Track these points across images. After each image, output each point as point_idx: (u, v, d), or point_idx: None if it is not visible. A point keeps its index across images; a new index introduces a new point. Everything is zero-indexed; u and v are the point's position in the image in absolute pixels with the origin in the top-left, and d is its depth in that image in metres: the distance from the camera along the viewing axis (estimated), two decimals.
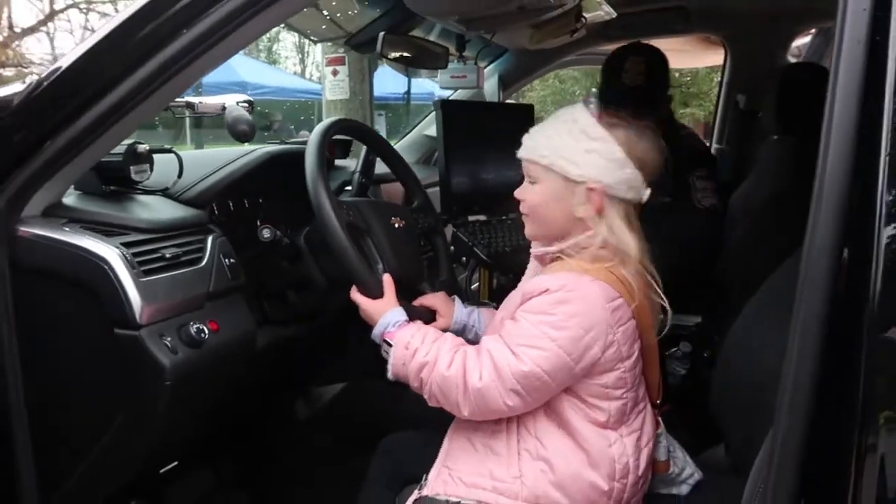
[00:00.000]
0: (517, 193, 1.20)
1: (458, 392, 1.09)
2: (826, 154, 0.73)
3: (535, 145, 1.16)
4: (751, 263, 1.69)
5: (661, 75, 2.03)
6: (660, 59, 2.03)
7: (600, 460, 1.10)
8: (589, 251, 1.11)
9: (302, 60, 22.58)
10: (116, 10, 18.18)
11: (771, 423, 0.79)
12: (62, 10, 17.70)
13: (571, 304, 1.06)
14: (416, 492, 1.17)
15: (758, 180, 2.21)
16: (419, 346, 1.14)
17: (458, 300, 1.46)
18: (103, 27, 1.10)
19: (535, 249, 1.25)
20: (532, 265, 1.32)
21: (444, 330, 1.31)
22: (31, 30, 16.45)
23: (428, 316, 1.37)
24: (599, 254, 1.11)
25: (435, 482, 1.16)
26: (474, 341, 1.26)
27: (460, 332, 1.39)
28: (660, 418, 1.23)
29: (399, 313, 1.22)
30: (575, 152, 1.12)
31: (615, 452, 1.11)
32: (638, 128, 1.15)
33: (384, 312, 1.22)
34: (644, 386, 1.20)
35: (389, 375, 1.18)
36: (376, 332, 1.22)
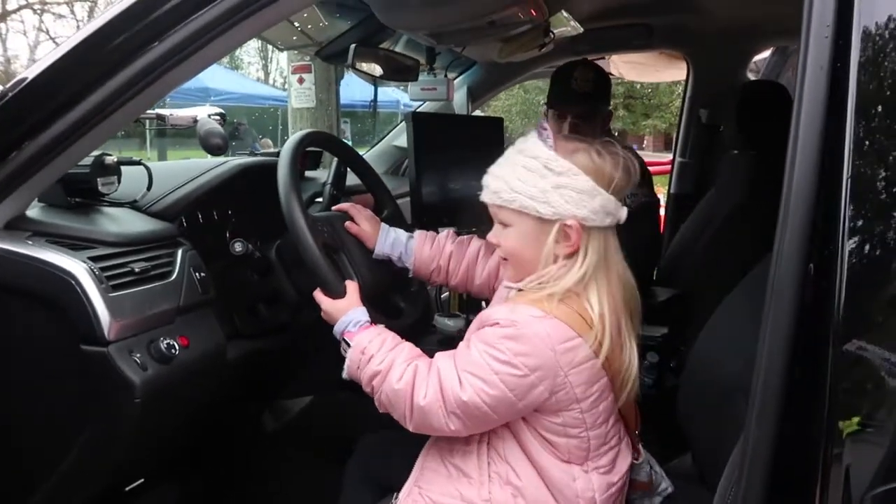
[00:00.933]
0: (491, 238, 1.16)
1: (404, 406, 1.09)
2: (791, 173, 0.75)
3: (499, 188, 1.10)
4: (714, 274, 1.74)
5: (605, 90, 2.12)
6: (605, 75, 2.12)
7: (564, 494, 1.09)
8: (560, 284, 1.07)
9: (265, 66, 22.40)
10: (72, 12, 17.83)
11: (736, 432, 0.81)
12: (15, 11, 17.28)
13: (518, 342, 1.03)
14: None
15: (719, 193, 2.27)
16: (375, 354, 1.13)
17: (384, 228, 1.46)
18: (71, 38, 1.08)
19: (509, 284, 1.19)
20: (501, 289, 1.29)
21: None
22: None
23: (392, 317, 1.37)
24: (569, 288, 1.07)
25: (405, 500, 1.16)
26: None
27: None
28: (640, 446, 1.22)
29: (361, 313, 1.22)
30: (543, 190, 1.07)
31: (578, 487, 1.09)
32: (598, 146, 1.10)
33: (346, 311, 1.22)
34: (618, 423, 1.16)
35: (344, 375, 1.18)
36: (337, 329, 1.21)
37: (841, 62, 0.75)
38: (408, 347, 1.16)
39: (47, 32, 18.51)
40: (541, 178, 1.07)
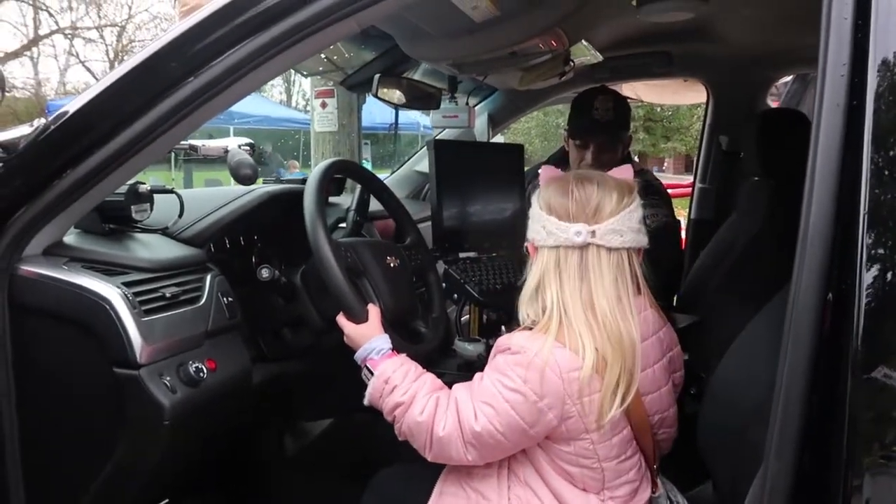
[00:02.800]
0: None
1: (425, 437, 1.12)
2: (809, 205, 0.77)
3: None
4: (734, 301, 1.73)
5: (625, 116, 2.15)
6: (624, 102, 2.15)
7: None
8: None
9: (287, 89, 22.71)
10: (101, 37, 18.29)
11: (757, 460, 0.82)
12: (47, 35, 17.77)
13: (526, 370, 1.04)
14: None
15: (739, 219, 2.27)
16: (398, 385, 1.16)
17: None
18: (111, 74, 1.13)
19: None
20: None
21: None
22: (15, 54, 16.48)
23: (413, 342, 1.40)
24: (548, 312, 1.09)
25: None
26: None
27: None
28: (659, 480, 1.22)
29: (384, 341, 1.24)
30: (534, 217, 1.16)
31: None
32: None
33: (369, 337, 1.24)
34: (636, 455, 1.16)
35: (365, 402, 1.20)
36: (359, 355, 1.24)
37: (857, 98, 0.77)
38: (430, 379, 1.18)
39: (77, 56, 19.02)
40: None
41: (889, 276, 0.74)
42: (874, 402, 0.74)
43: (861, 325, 0.73)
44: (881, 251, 0.75)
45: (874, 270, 0.74)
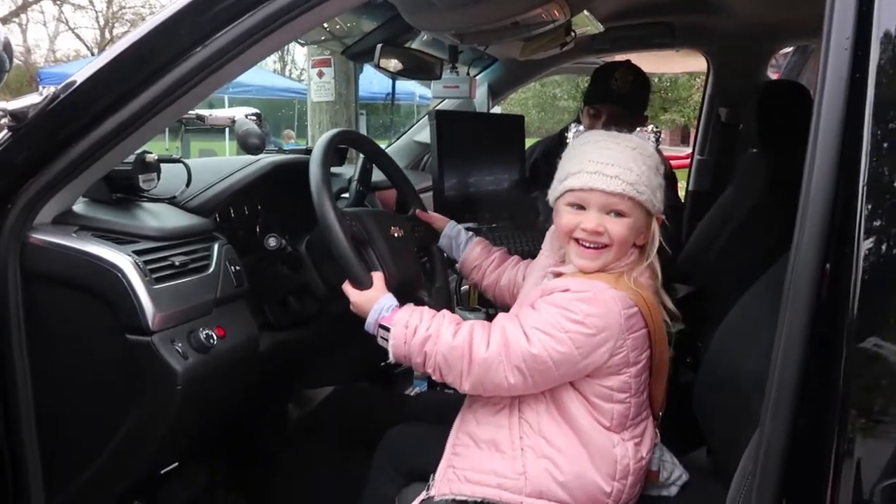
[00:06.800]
0: (597, 227, 1.18)
1: (463, 362, 1.14)
2: (810, 176, 0.78)
3: (636, 182, 1.17)
4: (732, 272, 1.76)
5: (643, 93, 2.14)
6: (645, 80, 2.14)
7: (603, 459, 1.16)
8: (633, 269, 1.20)
9: (282, 58, 22.43)
10: (91, 3, 17.96)
11: (752, 427, 0.85)
12: (35, 2, 17.46)
13: (590, 305, 1.13)
14: (423, 492, 1.22)
15: (737, 192, 2.29)
16: (419, 324, 1.18)
17: (453, 222, 1.65)
18: (117, 44, 1.13)
19: (557, 268, 1.27)
20: (535, 275, 1.38)
21: (437, 237, 1.61)
22: (4, 20, 16.20)
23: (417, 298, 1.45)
24: (634, 272, 1.20)
25: (441, 482, 1.21)
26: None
27: (447, 247, 1.62)
28: (657, 430, 1.28)
29: (391, 299, 1.26)
30: (655, 188, 1.20)
31: (618, 453, 1.17)
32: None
33: (376, 300, 1.25)
34: (648, 397, 1.25)
35: (391, 359, 1.22)
36: (370, 320, 1.24)
37: (860, 71, 0.78)
38: (448, 313, 1.22)
39: (66, 23, 18.72)
40: (656, 178, 1.20)
41: (885, 247, 0.76)
42: (867, 369, 0.76)
43: (857, 295, 0.75)
44: (879, 223, 0.76)
45: (871, 242, 0.76)
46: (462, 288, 2.23)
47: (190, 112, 1.35)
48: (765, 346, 0.81)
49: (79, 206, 1.26)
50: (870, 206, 0.76)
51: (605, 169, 1.16)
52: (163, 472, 1.50)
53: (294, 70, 20.77)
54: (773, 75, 3.01)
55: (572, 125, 1.34)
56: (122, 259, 1.15)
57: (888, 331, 0.76)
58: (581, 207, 1.19)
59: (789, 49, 3.19)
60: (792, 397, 0.78)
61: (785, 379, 0.79)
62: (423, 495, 1.21)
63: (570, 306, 1.13)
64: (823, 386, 0.77)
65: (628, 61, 2.19)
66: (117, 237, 1.22)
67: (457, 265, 1.64)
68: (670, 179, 2.21)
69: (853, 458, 0.75)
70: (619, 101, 2.04)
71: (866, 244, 0.76)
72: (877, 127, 0.76)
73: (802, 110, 0.80)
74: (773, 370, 0.79)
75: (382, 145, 2.65)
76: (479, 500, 1.18)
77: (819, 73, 0.79)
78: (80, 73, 1.12)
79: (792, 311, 0.78)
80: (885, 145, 0.77)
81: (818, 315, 0.77)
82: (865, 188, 0.76)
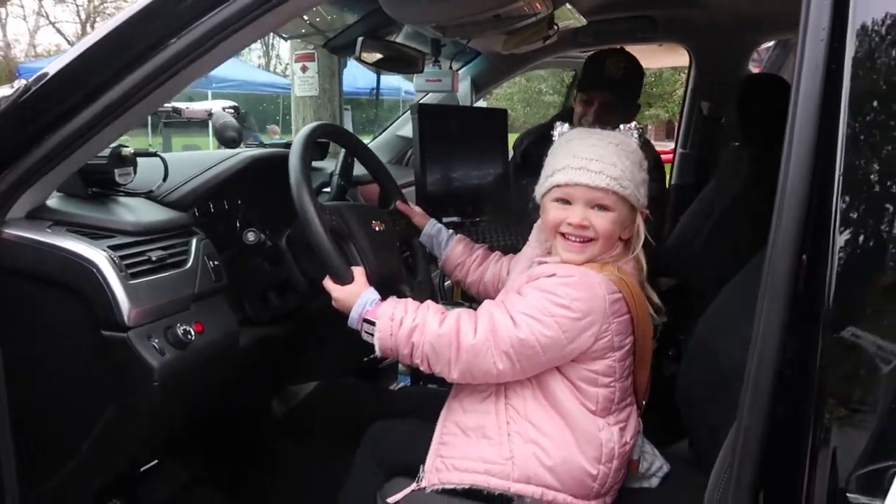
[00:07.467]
0: (582, 221, 1.19)
1: (451, 350, 1.15)
2: (787, 167, 0.78)
3: (620, 176, 1.18)
4: (714, 265, 1.77)
5: (635, 80, 2.12)
6: (638, 66, 2.12)
7: (589, 442, 1.17)
8: (618, 261, 1.22)
9: (266, 53, 22.28)
10: None
11: (733, 418, 0.85)
12: None
13: (576, 289, 1.14)
14: (414, 483, 1.22)
15: (719, 185, 2.30)
16: (405, 315, 1.19)
17: (433, 220, 1.63)
18: (91, 35, 1.11)
19: (544, 258, 1.28)
20: (521, 265, 1.39)
21: (419, 231, 1.59)
22: None
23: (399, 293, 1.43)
24: (619, 263, 1.22)
25: (429, 473, 1.21)
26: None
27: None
28: (640, 419, 1.29)
29: (373, 293, 1.26)
30: (641, 184, 1.22)
31: (603, 437, 1.18)
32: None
33: (358, 294, 1.25)
34: (632, 383, 1.27)
35: (377, 352, 1.21)
36: (354, 315, 1.24)
37: (835, 63, 0.78)
38: (432, 304, 1.22)
39: (47, 17, 18.48)
40: (640, 172, 1.22)
41: (861, 238, 0.76)
42: (843, 359, 0.77)
43: (833, 285, 0.75)
44: (854, 214, 0.77)
45: (847, 233, 0.76)
46: (446, 283, 2.23)
47: (166, 105, 1.33)
48: (745, 337, 0.82)
49: (53, 201, 1.24)
50: (846, 197, 0.77)
51: (590, 164, 1.18)
52: (142, 469, 1.49)
53: (279, 65, 20.65)
54: (754, 69, 3.03)
55: (557, 124, 1.33)
56: (96, 254, 1.13)
57: (864, 321, 0.76)
58: (567, 202, 1.21)
59: (771, 43, 3.21)
60: (769, 388, 0.79)
61: (762, 370, 0.79)
62: (412, 487, 1.21)
63: (556, 290, 1.14)
64: (800, 376, 0.78)
65: (621, 48, 2.18)
66: (93, 232, 1.20)
67: (439, 263, 1.64)
68: (660, 171, 2.21)
69: (829, 448, 0.75)
70: (612, 88, 2.02)
71: (843, 235, 0.76)
72: (853, 118, 0.77)
73: (783, 103, 0.80)
74: (751, 361, 0.80)
75: (367, 140, 2.65)
76: (467, 487, 1.18)
77: (796, 64, 0.80)
78: (53, 65, 1.10)
79: (769, 302, 0.78)
80: (862, 137, 0.77)
81: (795, 306, 0.78)
82: (841, 178, 0.77)
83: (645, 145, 1.28)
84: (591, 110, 2.03)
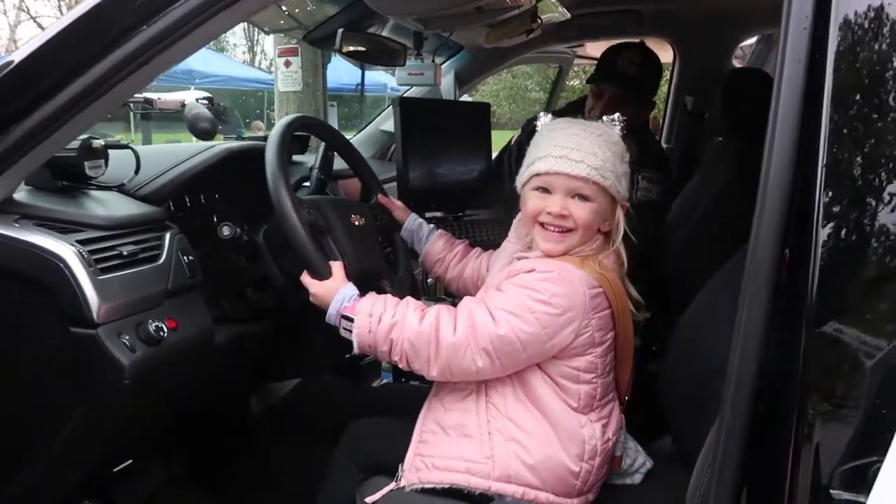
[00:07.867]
0: (561, 210, 1.18)
1: (430, 347, 1.13)
2: (769, 161, 0.77)
3: (601, 166, 1.17)
4: (697, 260, 1.76)
5: (650, 78, 2.07)
6: (655, 61, 2.07)
7: (571, 440, 1.16)
8: (597, 254, 1.20)
9: (251, 48, 22.13)
10: None
11: (715, 414, 0.84)
12: None
13: (555, 284, 1.13)
14: (393, 483, 1.20)
15: (703, 180, 2.30)
16: (383, 311, 1.17)
17: (413, 215, 1.61)
18: (59, 21, 1.08)
19: (524, 254, 1.26)
20: (500, 261, 1.37)
21: (400, 226, 1.57)
22: None
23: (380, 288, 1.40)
24: (599, 256, 1.20)
25: (409, 472, 1.19)
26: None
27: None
28: (623, 415, 1.28)
29: (351, 288, 1.23)
30: (622, 176, 1.20)
31: (585, 434, 1.17)
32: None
33: (337, 290, 1.22)
34: (614, 379, 1.25)
35: (355, 349, 1.19)
36: (332, 310, 1.21)
37: (818, 54, 0.77)
38: (412, 300, 1.20)
39: (28, 12, 18.21)
40: (621, 164, 1.20)
41: (844, 232, 0.76)
42: (826, 354, 0.76)
43: (816, 280, 0.74)
44: (837, 208, 0.76)
45: (830, 227, 0.75)
46: (429, 279, 2.21)
47: (138, 95, 1.29)
48: (728, 333, 0.81)
49: (20, 195, 1.21)
50: (829, 191, 0.76)
51: (571, 153, 1.17)
52: (116, 469, 1.46)
53: (264, 60, 20.51)
54: (737, 65, 3.03)
55: (540, 114, 1.31)
56: (63, 248, 1.10)
57: (846, 315, 0.75)
58: (547, 192, 1.20)
59: (753, 39, 3.22)
60: (752, 383, 0.78)
61: (744, 365, 0.78)
62: (391, 486, 1.19)
63: (535, 286, 1.13)
64: (783, 371, 0.77)
65: (641, 43, 2.12)
66: (61, 226, 1.17)
67: (419, 258, 1.62)
68: (665, 173, 2.17)
69: (812, 443, 0.74)
70: (622, 82, 1.97)
71: (825, 229, 0.75)
72: (835, 111, 0.76)
73: (766, 97, 0.79)
74: (734, 356, 0.79)
75: (351, 136, 2.62)
76: (447, 486, 1.16)
77: (778, 57, 0.78)
78: (18, 52, 1.06)
79: (751, 296, 0.78)
80: (844, 130, 0.76)
81: (777, 300, 0.77)
82: (824, 172, 0.76)
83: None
84: (601, 103, 1.99)
